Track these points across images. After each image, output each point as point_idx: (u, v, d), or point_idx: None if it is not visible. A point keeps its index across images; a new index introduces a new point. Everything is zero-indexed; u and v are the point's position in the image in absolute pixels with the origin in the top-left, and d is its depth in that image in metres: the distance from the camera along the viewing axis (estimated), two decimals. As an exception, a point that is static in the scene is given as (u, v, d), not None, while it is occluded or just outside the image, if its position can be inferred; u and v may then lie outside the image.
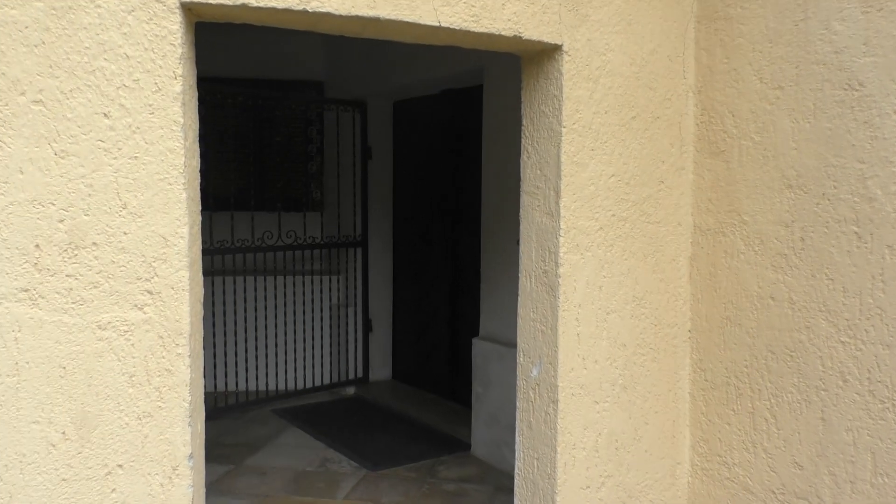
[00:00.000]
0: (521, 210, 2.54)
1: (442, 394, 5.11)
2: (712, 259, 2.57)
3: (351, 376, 5.40)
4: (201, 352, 1.96)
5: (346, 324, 5.39)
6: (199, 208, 1.95)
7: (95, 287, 1.77)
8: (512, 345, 4.01)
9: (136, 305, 1.80)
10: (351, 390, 5.37)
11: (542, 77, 2.40)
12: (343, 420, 4.75)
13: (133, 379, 1.81)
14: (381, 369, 5.62)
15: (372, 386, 5.47)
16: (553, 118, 2.37)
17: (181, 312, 1.83)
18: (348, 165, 5.25)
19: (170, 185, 1.81)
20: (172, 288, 1.82)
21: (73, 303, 1.76)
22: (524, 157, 2.51)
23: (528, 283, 2.51)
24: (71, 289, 1.75)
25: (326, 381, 5.36)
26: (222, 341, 4.84)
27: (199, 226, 1.95)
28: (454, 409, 4.87)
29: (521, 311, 2.54)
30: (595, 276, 2.43)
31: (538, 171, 2.45)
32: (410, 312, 5.49)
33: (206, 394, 1.84)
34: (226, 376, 4.92)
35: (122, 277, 1.79)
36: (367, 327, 5.49)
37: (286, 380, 5.16)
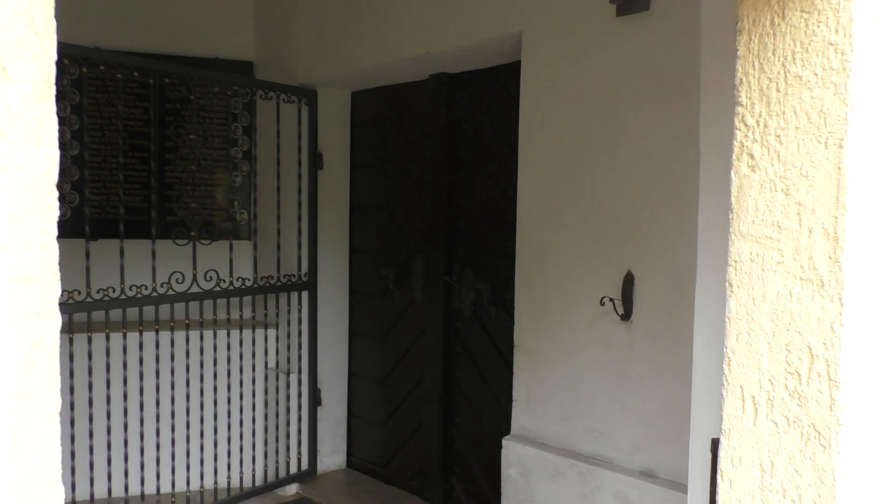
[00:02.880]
0: (731, 270, 1.32)
1: (427, 496, 3.74)
2: None
3: (293, 469, 3.97)
4: None
5: (287, 396, 3.97)
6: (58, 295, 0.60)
7: None
8: (573, 455, 2.72)
9: None
10: (293, 489, 3.95)
11: (797, 8, 1.20)
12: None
13: None
14: (333, 456, 4.21)
15: (321, 481, 4.05)
16: (826, 89, 1.18)
17: None
18: (291, 177, 3.85)
19: None
20: None
21: None
22: (743, 167, 1.29)
23: (749, 415, 1.27)
24: None
25: (259, 478, 3.93)
26: (104, 426, 3.28)
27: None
28: (448, 523, 3.54)
29: (721, 475, 1.30)
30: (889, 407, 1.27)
31: (783, 196, 1.24)
32: (376, 381, 4.10)
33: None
34: (109, 480, 3.34)
35: None
36: (315, 400, 4.07)
37: (201, 480, 3.64)
